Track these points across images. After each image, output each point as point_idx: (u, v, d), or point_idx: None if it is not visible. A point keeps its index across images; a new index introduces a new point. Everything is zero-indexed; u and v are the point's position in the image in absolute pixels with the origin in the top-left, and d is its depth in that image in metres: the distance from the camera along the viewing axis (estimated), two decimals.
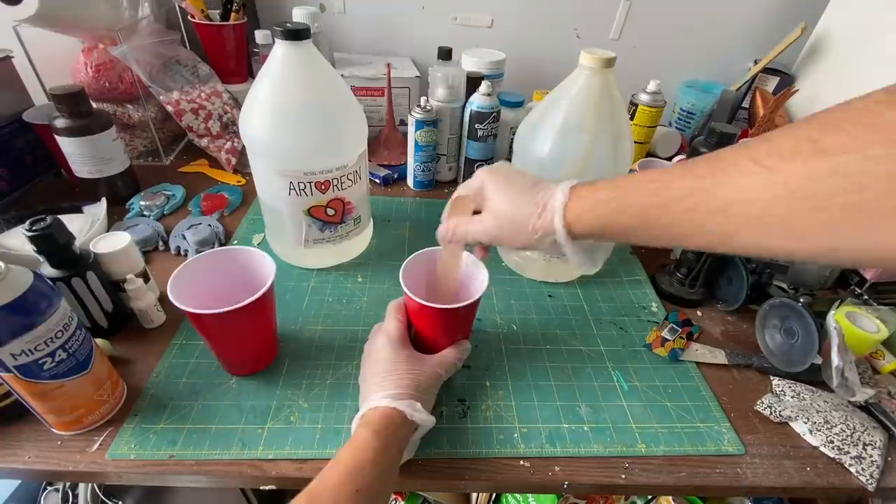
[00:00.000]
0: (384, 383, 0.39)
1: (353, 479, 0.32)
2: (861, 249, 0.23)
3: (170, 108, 0.73)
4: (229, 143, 0.79)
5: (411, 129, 0.73)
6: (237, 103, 0.82)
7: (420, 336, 0.45)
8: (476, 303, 0.43)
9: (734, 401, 0.49)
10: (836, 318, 0.48)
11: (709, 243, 0.29)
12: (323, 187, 0.52)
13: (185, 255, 0.60)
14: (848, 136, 0.22)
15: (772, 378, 0.51)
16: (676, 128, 0.97)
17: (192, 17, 0.78)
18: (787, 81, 0.93)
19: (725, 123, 0.82)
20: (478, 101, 0.72)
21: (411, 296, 0.42)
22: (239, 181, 0.76)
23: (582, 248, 0.36)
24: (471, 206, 0.42)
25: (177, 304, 0.38)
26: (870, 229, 0.22)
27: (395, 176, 0.81)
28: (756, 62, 0.94)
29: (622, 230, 0.33)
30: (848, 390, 0.46)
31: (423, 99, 0.72)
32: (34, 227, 0.41)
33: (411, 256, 0.46)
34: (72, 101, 0.59)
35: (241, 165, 0.79)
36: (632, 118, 0.84)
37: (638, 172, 0.33)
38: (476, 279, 0.45)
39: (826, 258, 0.25)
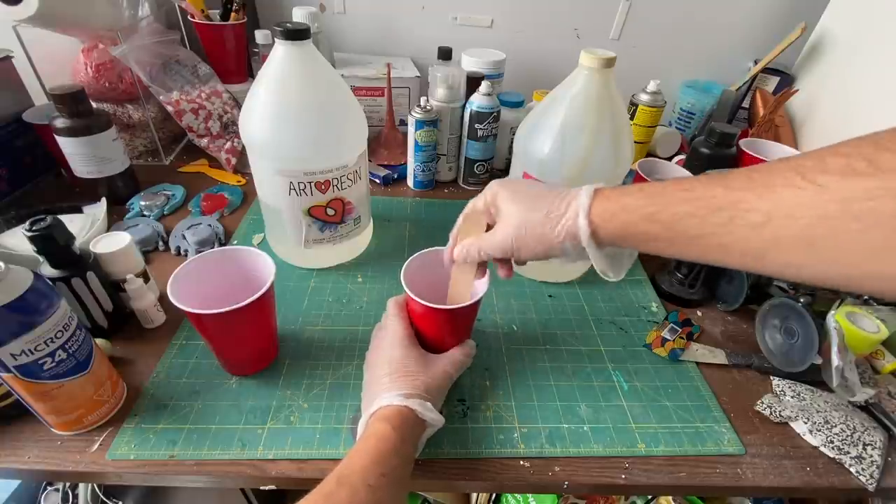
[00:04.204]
0: (395, 383, 0.39)
1: (378, 464, 0.33)
2: None
3: (170, 108, 0.73)
4: (229, 143, 0.79)
5: (411, 129, 0.73)
6: (237, 103, 0.82)
7: (422, 337, 0.45)
8: (477, 303, 0.43)
9: (734, 401, 0.49)
10: (836, 318, 0.48)
11: (742, 261, 0.27)
12: (323, 187, 0.52)
13: (185, 255, 0.60)
14: None
15: (772, 378, 0.51)
16: (676, 128, 0.97)
17: (192, 17, 0.78)
18: (787, 81, 0.93)
19: (725, 123, 0.82)
20: (478, 101, 0.72)
21: (414, 298, 0.42)
22: (239, 181, 0.76)
23: (606, 253, 0.35)
24: (483, 222, 0.40)
25: (177, 304, 0.38)
26: None
27: (395, 176, 0.81)
28: (756, 62, 0.94)
29: (649, 238, 0.31)
30: (848, 390, 0.46)
31: (423, 99, 0.72)
32: (34, 227, 0.41)
33: (412, 258, 0.45)
34: (72, 101, 0.59)
35: (241, 165, 0.79)
36: (632, 118, 0.84)
37: (668, 181, 0.31)
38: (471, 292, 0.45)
39: (866, 285, 0.23)
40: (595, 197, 0.33)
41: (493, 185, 0.40)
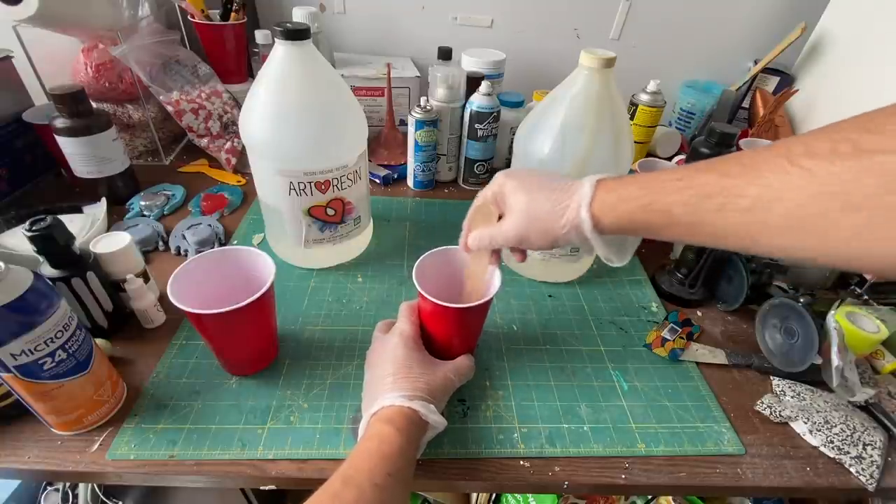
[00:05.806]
0: (398, 383, 0.39)
1: (384, 464, 0.33)
2: (893, 254, 0.22)
3: (170, 108, 0.73)
4: (229, 143, 0.79)
5: (411, 129, 0.73)
6: (237, 103, 0.82)
7: (432, 337, 0.45)
8: (488, 304, 0.43)
9: (734, 401, 0.49)
10: (836, 318, 0.48)
11: (736, 243, 0.28)
12: (323, 187, 0.52)
13: (185, 255, 0.60)
14: (889, 136, 0.21)
15: (772, 378, 0.51)
16: (676, 128, 0.97)
17: (192, 17, 0.78)
18: (787, 81, 0.93)
19: (725, 123, 0.82)
20: (478, 101, 0.72)
21: (425, 295, 0.42)
22: (239, 181, 0.76)
23: (609, 241, 0.36)
24: (494, 213, 0.41)
25: (177, 304, 0.38)
26: None
27: (395, 176, 0.81)
28: (756, 62, 0.94)
29: (648, 226, 0.32)
30: (848, 390, 0.46)
31: (423, 99, 0.72)
32: (34, 227, 0.41)
33: (424, 255, 0.45)
34: (72, 101, 0.59)
35: (241, 165, 0.79)
36: (632, 118, 0.84)
37: (664, 170, 0.33)
38: (488, 280, 0.45)
39: (854, 263, 0.24)
40: (597, 188, 0.34)
41: (500, 176, 0.41)
